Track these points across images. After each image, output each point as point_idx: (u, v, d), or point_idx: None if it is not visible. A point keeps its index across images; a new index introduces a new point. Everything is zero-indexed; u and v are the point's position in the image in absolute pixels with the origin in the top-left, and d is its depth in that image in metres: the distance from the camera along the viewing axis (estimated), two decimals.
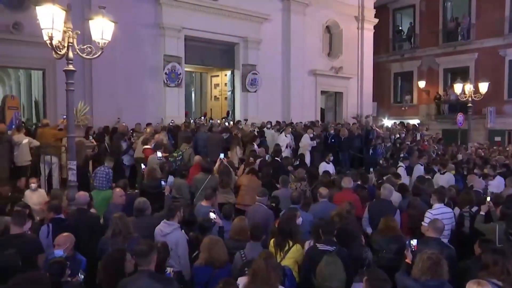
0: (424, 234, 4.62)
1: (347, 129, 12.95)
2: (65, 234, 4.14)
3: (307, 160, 10.72)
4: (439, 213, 5.22)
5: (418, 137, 14.76)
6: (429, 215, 5.16)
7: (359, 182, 7.19)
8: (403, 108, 21.18)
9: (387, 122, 19.72)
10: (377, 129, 14.30)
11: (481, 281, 2.99)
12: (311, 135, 11.24)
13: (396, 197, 6.63)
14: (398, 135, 13.98)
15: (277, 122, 13.70)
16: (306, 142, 11.12)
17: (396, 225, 4.79)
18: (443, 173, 8.58)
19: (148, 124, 10.98)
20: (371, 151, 12.08)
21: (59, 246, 3.96)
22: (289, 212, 4.88)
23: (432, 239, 4.30)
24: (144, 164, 7.63)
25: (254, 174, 7.11)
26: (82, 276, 3.58)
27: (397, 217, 5.54)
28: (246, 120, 14.06)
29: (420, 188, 6.62)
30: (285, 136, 10.99)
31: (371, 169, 9.93)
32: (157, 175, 6.50)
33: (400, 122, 17.78)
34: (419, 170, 9.19)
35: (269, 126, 12.64)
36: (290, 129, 11.79)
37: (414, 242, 3.90)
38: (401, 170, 8.93)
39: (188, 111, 16.89)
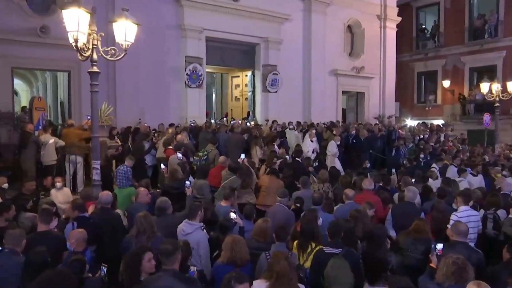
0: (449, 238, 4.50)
1: (368, 129, 12.79)
2: (78, 230, 4.23)
3: (337, 166, 10.23)
4: (465, 216, 5.08)
5: (442, 138, 14.42)
6: (454, 218, 5.03)
7: (381, 184, 7.08)
8: (426, 108, 20.73)
9: (410, 123, 19.34)
10: (400, 130, 14.06)
11: (481, 282, 2.90)
12: (338, 142, 10.93)
13: (417, 199, 6.50)
14: (421, 136, 13.69)
15: (298, 122, 13.64)
16: (334, 150, 10.75)
17: (428, 229, 4.66)
18: (476, 175, 8.40)
19: (171, 125, 11.11)
20: (393, 152, 11.90)
21: (68, 240, 4.09)
22: (309, 213, 4.85)
23: (459, 243, 4.17)
24: (164, 164, 7.72)
25: (274, 174, 7.10)
26: (105, 269, 3.64)
27: None
28: (267, 120, 14.02)
29: (446, 190, 6.46)
30: (311, 141, 10.70)
31: (393, 171, 9.75)
32: (179, 175, 6.57)
33: (423, 122, 17.41)
34: (452, 171, 8.98)
35: (291, 127, 12.54)
36: (314, 131, 11.62)
37: (439, 246, 3.80)
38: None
39: (209, 111, 17.02)
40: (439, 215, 5.42)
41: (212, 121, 13.68)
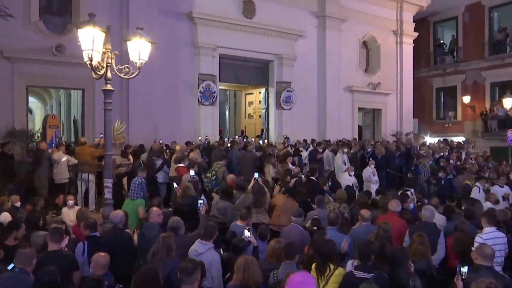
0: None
1: (385, 147, 12.66)
2: (101, 254, 4.20)
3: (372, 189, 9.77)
4: (490, 238, 4.92)
5: (463, 156, 14.18)
6: (478, 239, 4.88)
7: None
8: (446, 125, 20.47)
9: (430, 140, 19.10)
10: (418, 147, 13.89)
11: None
12: (373, 166, 10.56)
13: (441, 220, 6.35)
14: (441, 154, 13.47)
15: (313, 140, 13.59)
16: (370, 176, 10.28)
17: (425, 250, 4.57)
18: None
19: (187, 143, 11.20)
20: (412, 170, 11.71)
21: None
22: (319, 234, 4.79)
23: (484, 267, 4.02)
24: (176, 183, 7.74)
25: (290, 194, 7.03)
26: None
27: (441, 241, 5.30)
28: (287, 138, 13.79)
29: (471, 210, 6.29)
30: (349, 175, 9.78)
31: (412, 190, 9.58)
32: (191, 192, 6.57)
33: (444, 139, 17.16)
34: (476, 191, 8.84)
35: (303, 146, 12.45)
36: (346, 150, 11.36)
37: (464, 269, 3.68)
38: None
39: (222, 128, 17.12)
40: (462, 236, 5.27)
41: (226, 139, 13.72)
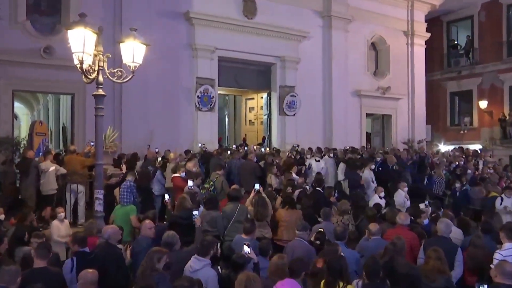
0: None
1: (396, 155, 12.65)
2: (89, 271, 4.17)
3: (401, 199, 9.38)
4: (510, 255, 4.90)
5: (481, 165, 14.14)
6: (498, 256, 4.86)
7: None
8: (461, 132, 20.47)
9: (443, 148, 19.07)
10: (432, 156, 13.87)
11: None
12: (405, 189, 9.58)
13: (457, 233, 6.32)
14: (457, 163, 13.45)
15: (318, 148, 13.57)
16: (401, 199, 9.33)
17: (442, 267, 4.54)
18: None
19: (187, 151, 11.21)
20: (425, 181, 11.68)
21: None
22: (330, 248, 4.76)
23: (504, 286, 4.00)
24: (168, 195, 7.75)
25: (290, 205, 7.02)
26: None
27: (459, 257, 5.27)
28: (297, 146, 13.59)
29: (489, 223, 6.26)
30: (379, 197, 8.93)
31: (426, 202, 9.54)
32: (187, 204, 6.56)
33: (460, 147, 17.14)
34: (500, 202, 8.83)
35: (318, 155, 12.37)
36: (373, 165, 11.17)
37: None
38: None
39: (221, 137, 17.13)
40: (476, 252, 5.24)
41: (229, 147, 13.72)
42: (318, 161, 11.53)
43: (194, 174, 8.45)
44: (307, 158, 12.06)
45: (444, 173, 12.07)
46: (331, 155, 12.19)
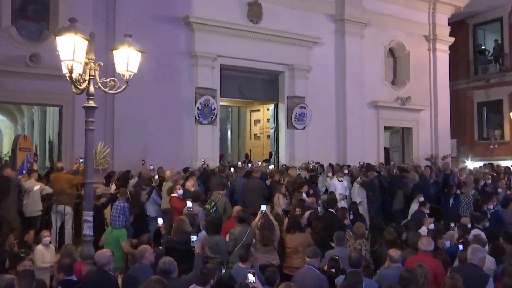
0: None
1: (418, 173, 12.58)
2: None
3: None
4: None
5: None
6: None
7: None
8: (491, 147, 20.37)
9: (471, 165, 18.95)
10: (458, 174, 13.78)
11: None
12: (431, 226, 8.95)
13: (489, 262, 6.25)
14: (485, 181, 13.35)
15: (330, 165, 13.56)
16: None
17: None
18: None
19: (185, 169, 11.24)
20: (451, 201, 11.61)
21: None
22: (353, 277, 4.73)
23: None
24: (163, 218, 7.76)
25: (297, 229, 6.97)
26: None
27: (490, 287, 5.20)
28: (315, 163, 13.62)
29: None
30: (427, 229, 8.40)
31: (452, 225, 9.46)
32: (186, 228, 6.57)
33: (489, 163, 17.03)
34: None
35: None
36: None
37: None
38: None
39: (224, 153, 17.18)
40: (510, 281, 5.17)
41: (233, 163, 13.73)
42: (341, 181, 11.28)
43: (191, 194, 8.45)
44: (328, 176, 11.93)
45: (473, 193, 11.98)
46: (346, 171, 12.16)
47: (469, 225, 8.21)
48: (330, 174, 11.98)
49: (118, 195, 7.88)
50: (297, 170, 12.85)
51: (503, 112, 20.50)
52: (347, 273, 5.13)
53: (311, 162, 13.66)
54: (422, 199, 9.98)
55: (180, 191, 8.53)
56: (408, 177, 12.35)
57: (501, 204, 10.98)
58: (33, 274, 4.88)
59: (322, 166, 13.42)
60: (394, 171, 13.31)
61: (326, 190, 11.31)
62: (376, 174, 12.26)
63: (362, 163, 13.95)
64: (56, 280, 5.20)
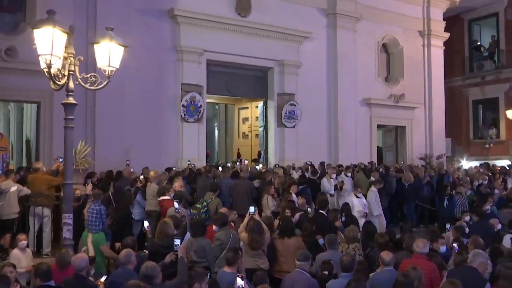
0: None
1: (412, 173, 12.70)
2: None
3: None
4: None
5: (509, 184, 14.21)
6: None
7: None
8: (487, 146, 20.58)
9: (466, 164, 19.15)
10: (453, 174, 13.94)
11: None
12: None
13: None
14: (481, 182, 13.52)
15: (321, 164, 13.62)
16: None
17: None
18: None
19: (168, 169, 11.19)
20: (446, 202, 11.73)
21: None
22: (357, 283, 4.76)
23: None
24: (148, 221, 7.71)
25: (284, 235, 6.97)
26: None
27: None
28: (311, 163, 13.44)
29: None
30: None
31: (448, 226, 9.56)
32: (170, 231, 6.53)
33: (486, 163, 17.23)
34: None
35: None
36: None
37: None
38: None
39: (209, 152, 17.15)
40: (505, 284, 5.23)
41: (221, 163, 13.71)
42: (359, 197, 10.54)
43: (176, 194, 8.43)
44: (332, 178, 11.70)
45: (468, 194, 12.12)
46: (349, 174, 12.19)
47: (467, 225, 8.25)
48: (333, 175, 11.94)
49: (92, 197, 7.81)
50: (292, 171, 12.88)
51: (499, 110, 20.71)
52: (352, 282, 5.12)
53: (309, 162, 13.60)
54: None
55: (173, 195, 8.47)
56: (391, 176, 12.48)
57: (496, 205, 11.12)
58: (9, 280, 4.83)
59: (354, 168, 13.38)
60: (381, 169, 13.41)
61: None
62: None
63: (359, 163, 14.03)
64: (33, 285, 5.15)
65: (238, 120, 17.66)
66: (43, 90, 9.80)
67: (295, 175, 12.44)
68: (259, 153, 16.02)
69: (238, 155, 16.64)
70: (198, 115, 13.60)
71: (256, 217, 7.24)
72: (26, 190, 8.94)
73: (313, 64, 15.95)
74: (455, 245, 6.78)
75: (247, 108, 17.01)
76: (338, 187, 11.54)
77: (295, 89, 15.54)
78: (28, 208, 9.04)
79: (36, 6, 11.69)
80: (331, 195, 11.13)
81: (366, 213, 10.29)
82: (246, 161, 13.67)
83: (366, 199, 10.62)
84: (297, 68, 15.62)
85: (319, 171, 12.59)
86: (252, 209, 7.30)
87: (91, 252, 6.78)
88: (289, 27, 15.24)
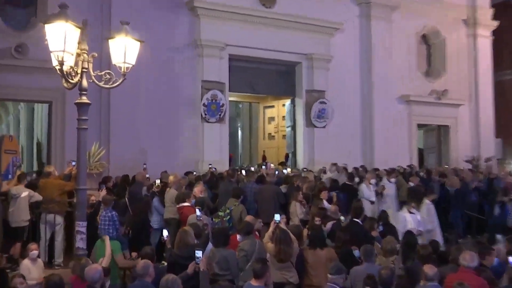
0: None
1: (458, 177, 12.48)
2: None
3: None
4: None
5: None
6: None
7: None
8: None
9: None
10: (505, 178, 13.65)
11: None
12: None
13: None
14: None
15: (354, 168, 13.46)
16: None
17: None
18: None
19: (188, 173, 11.25)
20: (497, 210, 11.50)
21: None
22: None
23: None
24: (167, 230, 7.75)
25: (315, 245, 6.92)
26: None
27: None
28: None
29: None
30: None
31: (499, 237, 9.37)
32: (190, 240, 6.55)
33: None
34: None
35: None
36: None
37: None
38: None
39: (232, 154, 17.19)
40: None
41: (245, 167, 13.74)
42: (413, 213, 9.70)
43: (197, 201, 8.45)
44: (371, 183, 11.50)
45: None
46: (393, 180, 12.05)
47: None
48: (372, 181, 11.73)
49: (102, 203, 7.87)
50: (323, 174, 12.82)
51: None
52: None
53: (345, 164, 13.52)
54: None
55: (194, 202, 8.49)
56: (433, 181, 12.30)
57: None
58: None
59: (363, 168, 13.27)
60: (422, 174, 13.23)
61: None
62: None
63: (398, 166, 13.90)
64: None
65: (264, 120, 17.68)
66: (55, 89, 9.98)
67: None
68: (287, 156, 16.00)
69: (264, 158, 16.62)
70: (220, 115, 13.65)
71: (282, 225, 7.22)
72: (37, 196, 9.05)
73: (345, 58, 15.87)
74: (510, 258, 6.60)
75: (273, 106, 17.02)
76: (379, 192, 11.41)
77: (326, 85, 15.47)
78: (39, 216, 9.18)
79: (48, 1, 11.90)
80: (372, 202, 11.02)
81: (421, 231, 9.30)
82: (272, 165, 13.63)
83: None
84: (327, 63, 15.55)
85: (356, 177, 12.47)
86: (277, 217, 7.26)
87: (108, 261, 6.82)
88: (318, 18, 15.18)
